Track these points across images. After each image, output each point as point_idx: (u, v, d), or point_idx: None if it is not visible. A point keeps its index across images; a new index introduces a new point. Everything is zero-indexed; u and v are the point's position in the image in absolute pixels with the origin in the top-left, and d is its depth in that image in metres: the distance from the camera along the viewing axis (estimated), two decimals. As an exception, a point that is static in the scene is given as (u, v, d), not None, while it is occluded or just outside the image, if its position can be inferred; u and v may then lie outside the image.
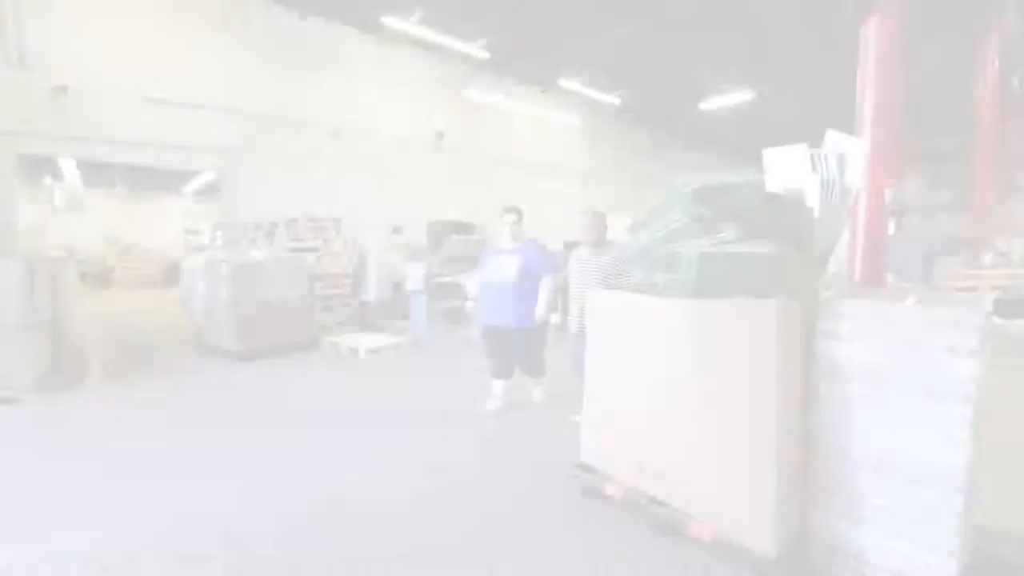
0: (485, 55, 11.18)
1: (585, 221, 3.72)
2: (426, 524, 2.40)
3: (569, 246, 6.28)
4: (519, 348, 3.83)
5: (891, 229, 4.29)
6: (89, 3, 7.93)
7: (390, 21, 9.51)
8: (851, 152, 2.11)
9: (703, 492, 2.08)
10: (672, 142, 19.79)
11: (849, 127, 2.30)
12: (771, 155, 2.42)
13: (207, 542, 2.25)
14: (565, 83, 13.06)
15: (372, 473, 2.94)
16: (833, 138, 2.21)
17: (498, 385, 3.95)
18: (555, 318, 3.93)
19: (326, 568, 2.07)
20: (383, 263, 8.35)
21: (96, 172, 15.43)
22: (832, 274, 2.50)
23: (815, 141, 2.36)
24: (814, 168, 2.17)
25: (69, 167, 13.49)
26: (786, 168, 2.32)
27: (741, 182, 1.83)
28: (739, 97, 12.75)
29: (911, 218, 4.14)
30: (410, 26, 9.71)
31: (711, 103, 13.24)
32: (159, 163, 9.30)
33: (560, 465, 2.82)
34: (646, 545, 2.22)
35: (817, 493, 1.96)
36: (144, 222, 20.45)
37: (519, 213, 3.89)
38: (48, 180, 15.15)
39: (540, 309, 3.68)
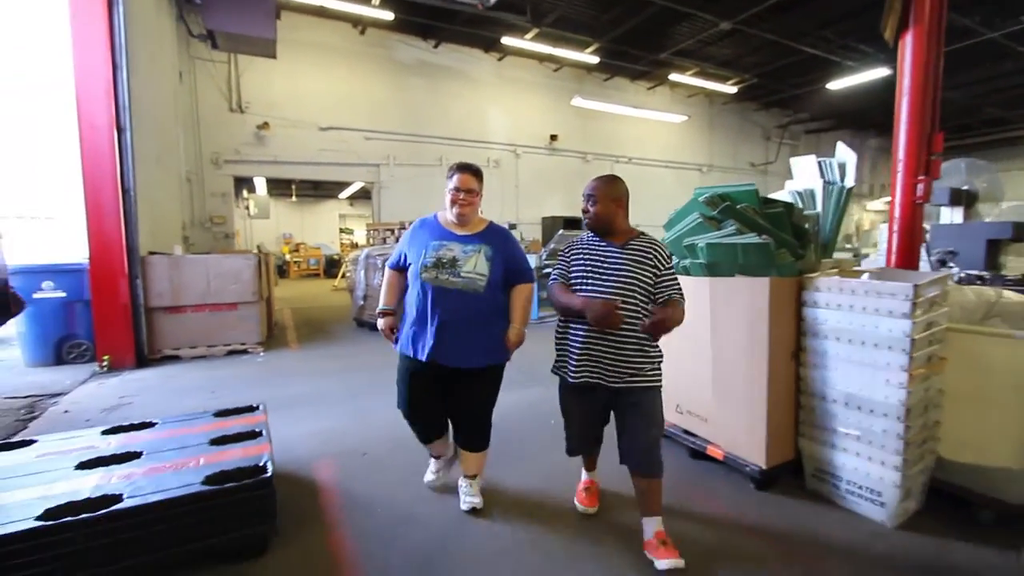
0: (595, 60, 11.87)
1: (597, 189, 2.10)
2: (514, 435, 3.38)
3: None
4: (472, 400, 2.36)
5: (959, 218, 4.21)
6: (282, 60, 10.21)
7: (508, 41, 10.67)
8: (850, 161, 2.57)
9: (719, 424, 2.77)
10: (796, 124, 18.50)
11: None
12: (796, 163, 2.96)
13: (381, 432, 3.49)
14: (676, 77, 13.19)
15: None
16: (840, 149, 2.68)
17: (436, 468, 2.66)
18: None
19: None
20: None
21: (277, 185, 19.13)
22: (841, 258, 2.87)
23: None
24: (821, 174, 2.68)
25: (260, 183, 16.97)
26: (805, 173, 2.86)
27: (740, 191, 2.47)
28: (872, 75, 11.78)
29: (986, 207, 3.90)
30: (526, 43, 10.78)
31: (840, 83, 12.37)
32: (324, 177, 11.54)
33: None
34: (681, 463, 2.96)
35: (804, 425, 2.55)
36: (309, 223, 24.46)
37: (480, 176, 2.32)
38: (245, 193, 19.14)
39: (518, 332, 2.33)
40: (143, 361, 5.44)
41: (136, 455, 2.26)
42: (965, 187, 4.01)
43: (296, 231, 23.49)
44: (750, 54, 12.30)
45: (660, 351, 2.10)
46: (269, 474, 2.08)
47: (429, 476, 2.68)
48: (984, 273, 3.26)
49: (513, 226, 10.50)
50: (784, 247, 2.47)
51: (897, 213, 3.12)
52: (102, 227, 5.14)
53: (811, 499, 2.55)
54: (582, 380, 2.08)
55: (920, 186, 2.98)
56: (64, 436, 2.54)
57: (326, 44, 10.72)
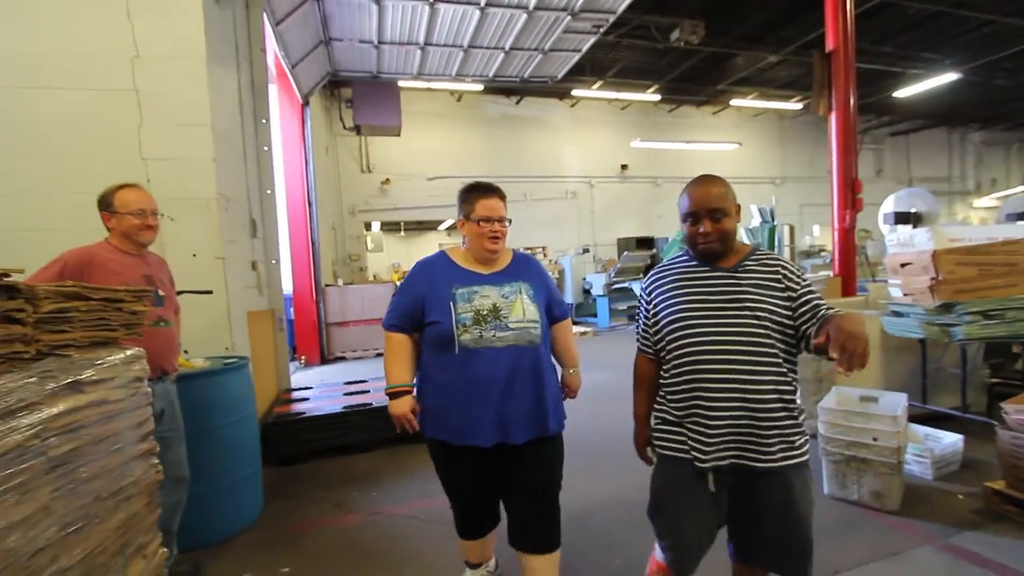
0: (657, 98, 13.35)
1: (720, 197, 1.44)
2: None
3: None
4: (540, 478, 1.78)
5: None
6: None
7: (578, 92, 12.53)
8: (775, 207, 3.98)
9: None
10: (879, 128, 18.21)
11: None
12: (752, 208, 4.42)
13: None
14: (738, 102, 14.19)
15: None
16: (773, 199, 4.09)
17: None
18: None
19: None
20: (576, 275, 11.30)
21: (387, 223, 22.49)
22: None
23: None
24: (761, 216, 4.12)
25: (376, 223, 20.33)
26: (755, 216, 4.32)
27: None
28: (940, 80, 11.98)
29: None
30: (593, 92, 12.57)
31: (907, 91, 12.64)
32: (431, 217, 14.05)
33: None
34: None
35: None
36: (414, 253, 27.82)
37: (505, 198, 1.87)
38: (364, 231, 22.75)
39: (578, 375, 2.04)
40: (324, 360, 7.88)
41: (367, 391, 4.32)
42: (912, 209, 4.94)
43: (404, 260, 26.84)
44: (809, 74, 13.00)
45: (804, 410, 1.46)
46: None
47: None
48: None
49: (586, 250, 12.16)
50: (730, 265, 3.99)
51: (836, 237, 4.39)
52: (301, 269, 7.67)
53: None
54: (727, 461, 1.40)
55: (847, 216, 4.24)
56: (326, 386, 4.71)
57: (430, 111, 13.30)
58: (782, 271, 1.44)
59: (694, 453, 1.42)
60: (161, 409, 2.04)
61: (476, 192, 1.80)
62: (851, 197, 4.24)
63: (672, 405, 1.50)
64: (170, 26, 3.01)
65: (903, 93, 12.85)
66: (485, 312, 1.69)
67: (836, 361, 1.14)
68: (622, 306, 10.34)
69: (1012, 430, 2.45)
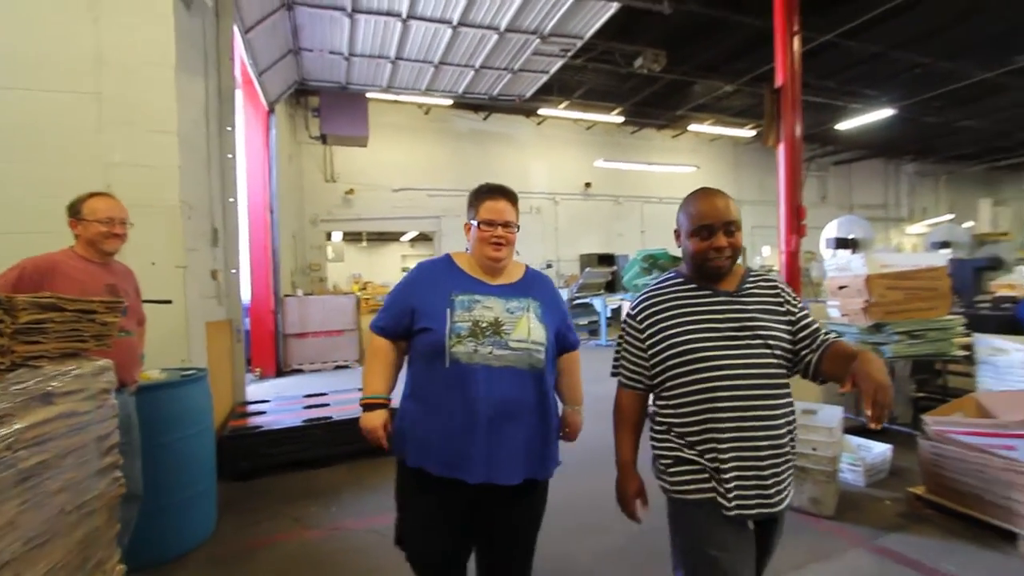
0: (620, 120, 13.84)
1: (730, 209, 1.32)
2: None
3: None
4: (520, 529, 1.62)
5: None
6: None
7: (545, 111, 12.84)
8: None
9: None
10: (823, 157, 19.46)
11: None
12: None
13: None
14: (696, 128, 14.88)
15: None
16: None
17: None
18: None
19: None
20: (540, 290, 11.46)
21: (349, 232, 22.18)
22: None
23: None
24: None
25: (337, 232, 20.01)
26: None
27: (659, 252, 4.22)
28: (878, 115, 12.96)
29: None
30: (560, 111, 12.91)
31: (847, 123, 13.60)
32: (396, 228, 13.99)
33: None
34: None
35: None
36: (376, 264, 27.48)
37: (517, 202, 1.65)
38: (325, 240, 22.32)
39: (580, 414, 1.76)
40: (280, 372, 7.68)
41: (327, 404, 4.27)
42: (851, 235, 5.40)
43: (364, 271, 26.41)
44: (761, 104, 13.80)
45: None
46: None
47: None
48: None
49: (549, 265, 12.37)
50: (686, 285, 4.21)
51: (783, 259, 4.72)
52: (260, 279, 7.48)
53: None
54: (754, 511, 1.26)
55: (793, 241, 4.57)
56: (284, 399, 4.61)
57: (398, 124, 13.30)
58: (782, 293, 1.39)
59: (719, 499, 1.26)
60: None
61: (483, 193, 1.62)
62: (796, 223, 4.56)
63: (682, 442, 1.33)
64: (140, 32, 2.97)
65: (844, 126, 13.79)
66: (484, 325, 1.48)
67: (868, 416, 1.09)
68: (583, 321, 10.57)
69: (931, 440, 2.69)
